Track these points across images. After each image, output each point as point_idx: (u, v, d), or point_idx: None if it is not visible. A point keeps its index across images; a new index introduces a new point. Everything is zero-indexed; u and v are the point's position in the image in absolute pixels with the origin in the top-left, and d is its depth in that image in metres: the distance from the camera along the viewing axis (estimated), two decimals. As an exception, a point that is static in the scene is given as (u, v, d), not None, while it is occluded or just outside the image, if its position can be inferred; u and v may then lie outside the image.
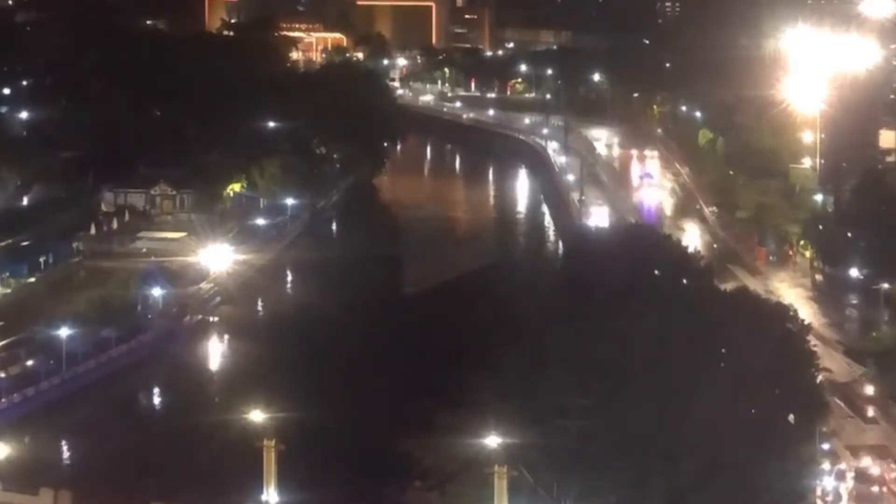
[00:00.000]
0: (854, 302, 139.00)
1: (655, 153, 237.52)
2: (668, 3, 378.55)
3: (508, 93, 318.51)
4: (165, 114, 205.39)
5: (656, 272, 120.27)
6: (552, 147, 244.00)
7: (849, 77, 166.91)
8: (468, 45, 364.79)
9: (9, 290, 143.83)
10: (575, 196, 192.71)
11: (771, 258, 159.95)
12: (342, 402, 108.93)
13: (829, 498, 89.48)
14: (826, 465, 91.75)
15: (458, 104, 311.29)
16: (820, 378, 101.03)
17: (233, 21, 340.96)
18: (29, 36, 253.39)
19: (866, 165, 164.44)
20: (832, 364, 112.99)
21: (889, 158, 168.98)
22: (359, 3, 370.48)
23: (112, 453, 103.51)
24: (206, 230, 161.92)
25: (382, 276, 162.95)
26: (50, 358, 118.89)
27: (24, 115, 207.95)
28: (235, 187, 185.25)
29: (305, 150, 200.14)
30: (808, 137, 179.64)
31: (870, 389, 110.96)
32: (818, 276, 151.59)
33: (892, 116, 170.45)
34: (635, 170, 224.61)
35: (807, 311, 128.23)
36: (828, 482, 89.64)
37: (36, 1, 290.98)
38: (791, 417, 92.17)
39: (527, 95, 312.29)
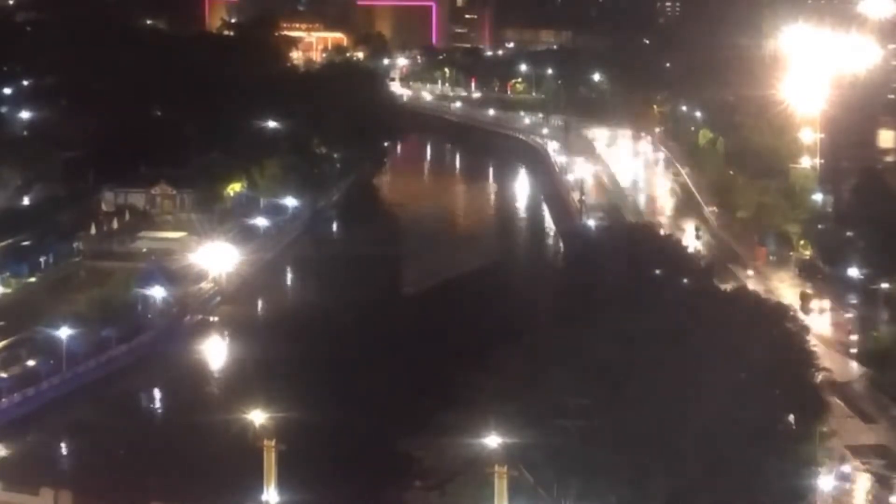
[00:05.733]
0: (854, 302, 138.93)
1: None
2: (668, 3, 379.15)
3: (508, 93, 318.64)
4: (165, 114, 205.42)
5: (656, 272, 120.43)
6: (552, 147, 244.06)
7: (849, 77, 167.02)
8: (468, 45, 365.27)
9: (9, 290, 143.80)
10: (575, 196, 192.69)
11: (771, 258, 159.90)
12: (342, 402, 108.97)
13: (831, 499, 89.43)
14: (827, 466, 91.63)
15: (458, 104, 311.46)
16: (820, 378, 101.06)
17: (233, 21, 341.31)
18: (29, 36, 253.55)
19: (866, 165, 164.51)
20: (832, 364, 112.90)
21: (889, 158, 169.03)
22: (359, 3, 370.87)
23: (112, 453, 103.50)
24: (207, 230, 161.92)
25: (383, 275, 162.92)
26: (50, 358, 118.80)
27: (24, 115, 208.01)
28: (236, 187, 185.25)
29: (305, 149, 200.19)
30: (808, 137, 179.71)
31: (870, 389, 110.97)
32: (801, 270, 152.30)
33: (892, 116, 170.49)
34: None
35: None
36: (828, 482, 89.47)
37: (36, 1, 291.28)
38: (791, 417, 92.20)
39: (527, 95, 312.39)
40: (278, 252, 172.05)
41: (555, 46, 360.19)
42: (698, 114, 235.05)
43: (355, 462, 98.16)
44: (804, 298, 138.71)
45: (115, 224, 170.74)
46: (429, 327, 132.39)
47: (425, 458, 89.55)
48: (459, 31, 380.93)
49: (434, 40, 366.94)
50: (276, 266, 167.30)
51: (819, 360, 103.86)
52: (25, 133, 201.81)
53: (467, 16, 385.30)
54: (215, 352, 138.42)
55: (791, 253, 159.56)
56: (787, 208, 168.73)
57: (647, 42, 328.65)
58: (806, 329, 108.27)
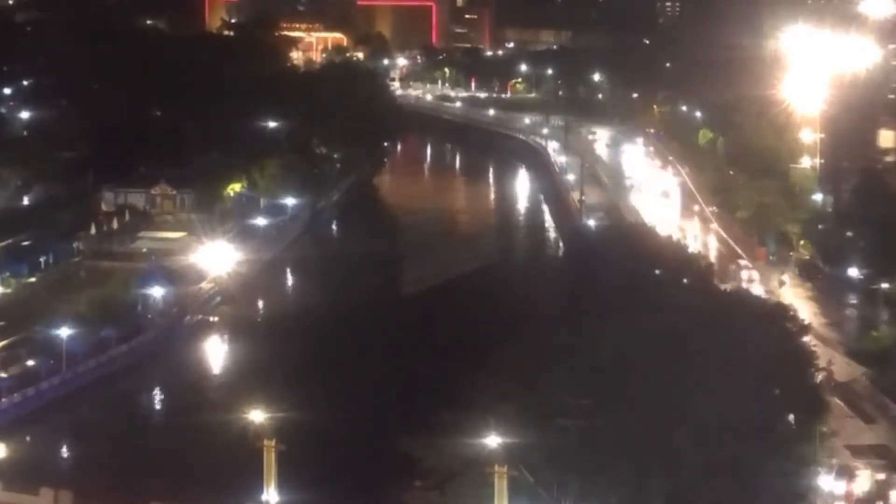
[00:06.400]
0: (854, 302, 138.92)
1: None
2: (668, 3, 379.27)
3: (508, 93, 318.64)
4: (165, 114, 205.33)
5: (656, 272, 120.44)
6: (552, 147, 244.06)
7: (849, 77, 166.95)
8: (468, 45, 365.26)
9: (9, 290, 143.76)
10: (575, 196, 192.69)
11: (771, 258, 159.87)
12: (342, 402, 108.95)
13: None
14: (827, 465, 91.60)
15: (458, 104, 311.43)
16: (820, 378, 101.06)
17: (233, 21, 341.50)
18: (29, 36, 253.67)
19: (866, 165, 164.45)
20: (832, 364, 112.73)
21: (889, 158, 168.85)
22: (359, 3, 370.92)
23: (112, 453, 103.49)
24: (206, 230, 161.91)
25: (382, 275, 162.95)
26: (50, 358, 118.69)
27: (24, 115, 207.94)
28: (235, 187, 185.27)
29: (305, 150, 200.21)
30: (808, 137, 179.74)
31: (870, 389, 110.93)
32: (801, 270, 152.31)
33: (892, 116, 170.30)
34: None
35: (807, 311, 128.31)
36: (828, 482, 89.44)
37: (36, 1, 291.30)
38: (791, 417, 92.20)
39: (527, 95, 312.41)
40: (278, 252, 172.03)
41: (555, 46, 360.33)
42: (698, 114, 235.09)
43: (355, 462, 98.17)
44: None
45: (115, 224, 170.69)
46: (429, 327, 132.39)
47: (425, 458, 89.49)
48: (459, 31, 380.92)
49: (434, 40, 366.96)
50: (276, 266, 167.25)
51: (819, 360, 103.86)
52: (25, 133, 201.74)
53: (467, 16, 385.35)
54: (215, 352, 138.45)
55: (791, 253, 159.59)
56: (787, 208, 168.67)
57: (647, 42, 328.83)
58: (806, 329, 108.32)
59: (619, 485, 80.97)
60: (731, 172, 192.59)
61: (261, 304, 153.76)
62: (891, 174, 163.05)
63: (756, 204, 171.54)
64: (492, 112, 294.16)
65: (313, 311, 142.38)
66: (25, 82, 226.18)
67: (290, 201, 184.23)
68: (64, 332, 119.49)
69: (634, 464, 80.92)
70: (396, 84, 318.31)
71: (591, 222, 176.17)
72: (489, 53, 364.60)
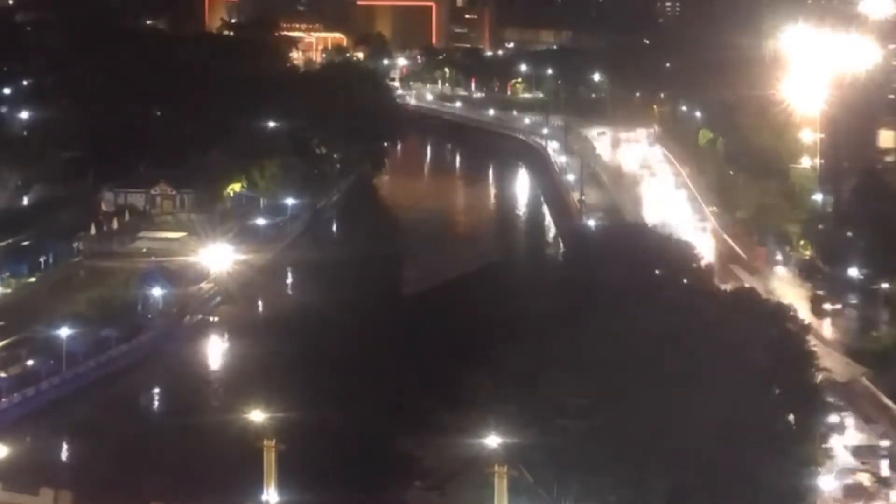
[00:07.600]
0: (854, 302, 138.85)
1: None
2: (668, 3, 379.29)
3: (508, 93, 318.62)
4: (165, 114, 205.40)
5: (656, 272, 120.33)
6: (552, 147, 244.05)
7: (849, 77, 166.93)
8: (468, 45, 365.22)
9: (9, 290, 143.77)
10: (575, 196, 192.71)
11: (777, 258, 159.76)
12: (342, 402, 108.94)
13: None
14: (826, 466, 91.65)
15: (458, 104, 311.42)
16: (820, 378, 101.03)
17: (233, 21, 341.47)
18: (29, 36, 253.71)
19: (866, 165, 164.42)
20: (832, 364, 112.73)
21: (889, 158, 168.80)
22: (359, 2, 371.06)
23: (112, 453, 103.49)
24: (206, 230, 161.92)
25: (383, 275, 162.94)
26: (50, 358, 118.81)
27: (24, 115, 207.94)
28: (235, 187, 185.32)
29: (305, 150, 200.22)
30: (808, 137, 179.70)
31: (870, 389, 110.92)
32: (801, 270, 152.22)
33: (892, 116, 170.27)
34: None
35: (807, 311, 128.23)
36: (828, 482, 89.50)
37: (36, 1, 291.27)
38: (791, 417, 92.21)
39: (527, 95, 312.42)
40: (278, 252, 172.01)
41: (555, 46, 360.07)
42: (698, 114, 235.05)
43: (355, 462, 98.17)
44: (815, 301, 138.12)
45: (115, 224, 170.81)
46: (429, 327, 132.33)
47: (425, 458, 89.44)
48: (459, 31, 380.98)
49: (434, 40, 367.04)
50: (276, 266, 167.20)
51: (819, 360, 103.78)
52: (25, 133, 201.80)
53: (467, 16, 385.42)
54: (215, 352, 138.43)
55: (791, 252, 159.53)
56: (787, 208, 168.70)
57: (647, 42, 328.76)
58: (806, 329, 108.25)
59: (619, 485, 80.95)
60: (731, 172, 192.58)
61: (261, 304, 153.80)
62: (891, 174, 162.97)
63: (756, 204, 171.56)
64: (492, 112, 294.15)
65: (313, 311, 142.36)
66: (25, 82, 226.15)
67: (289, 201, 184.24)
68: (64, 332, 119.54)
69: (634, 464, 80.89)
70: (396, 84, 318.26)
71: (591, 222, 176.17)
72: (489, 53, 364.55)
